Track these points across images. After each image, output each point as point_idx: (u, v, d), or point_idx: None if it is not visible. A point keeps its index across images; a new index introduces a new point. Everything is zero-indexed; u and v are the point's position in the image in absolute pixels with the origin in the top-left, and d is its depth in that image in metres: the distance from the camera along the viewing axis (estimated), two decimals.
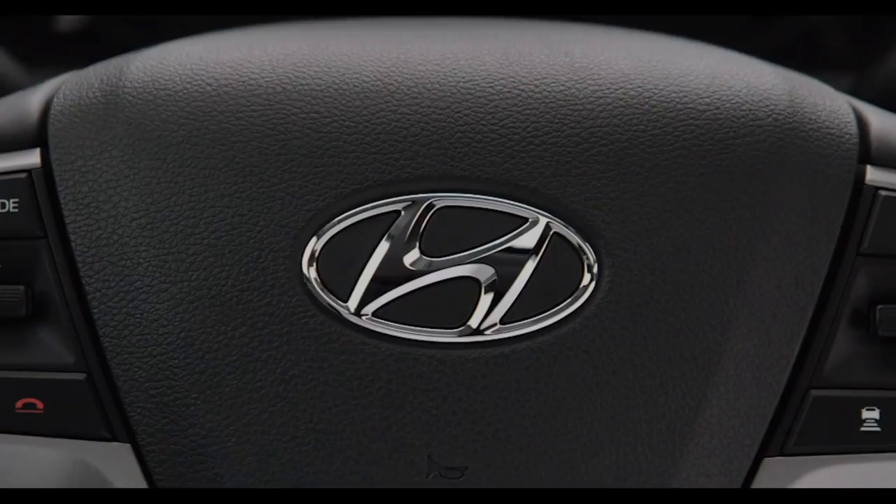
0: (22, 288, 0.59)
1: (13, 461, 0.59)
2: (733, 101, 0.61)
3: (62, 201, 0.59)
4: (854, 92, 0.80)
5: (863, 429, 0.58)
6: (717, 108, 0.60)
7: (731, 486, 0.58)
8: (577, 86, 0.60)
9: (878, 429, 0.58)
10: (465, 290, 0.58)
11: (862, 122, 0.62)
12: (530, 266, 0.58)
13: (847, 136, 0.61)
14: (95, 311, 0.58)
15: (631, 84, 0.61)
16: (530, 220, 0.58)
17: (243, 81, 0.60)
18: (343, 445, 0.57)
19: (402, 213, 0.58)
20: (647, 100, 0.60)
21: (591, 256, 0.58)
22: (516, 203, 0.58)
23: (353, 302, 0.57)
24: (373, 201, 0.58)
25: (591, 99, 0.60)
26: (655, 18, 1.19)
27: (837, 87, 0.78)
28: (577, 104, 0.60)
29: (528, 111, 0.59)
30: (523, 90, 0.60)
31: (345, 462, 0.57)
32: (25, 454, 0.59)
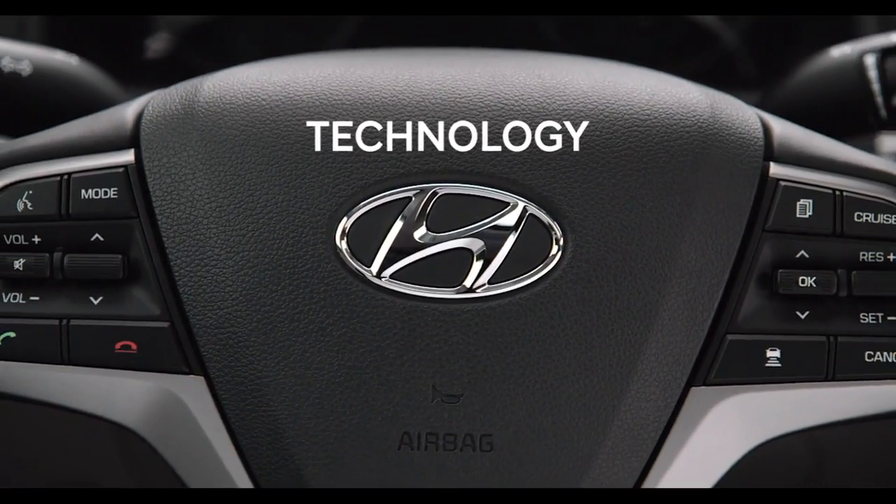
0: (120, 257, 0.58)
1: (114, 389, 0.59)
2: (667, 113, 0.60)
3: (150, 190, 0.59)
4: (760, 105, 0.80)
5: (767, 365, 0.58)
6: (655, 118, 0.60)
7: (664, 411, 0.57)
8: (547, 101, 0.60)
9: (778, 364, 0.58)
10: (461, 258, 0.57)
11: (766, 129, 0.61)
12: (511, 239, 0.57)
13: (755, 140, 0.60)
14: (176, 274, 0.58)
15: (589, 99, 0.60)
16: (511, 204, 0.57)
17: (290, 97, 0.60)
18: (367, 377, 0.56)
19: (413, 198, 0.57)
20: (601, 112, 0.60)
21: (558, 232, 0.57)
22: (500, 191, 0.58)
23: (375, 267, 0.57)
24: (390, 189, 0.58)
25: (557, 111, 0.59)
26: (609, 48, 1.18)
27: (747, 102, 0.78)
28: (547, 116, 0.59)
29: (510, 121, 0.59)
30: (505, 104, 0.60)
31: (368, 390, 0.56)
32: (123, 384, 0.58)
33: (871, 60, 0.76)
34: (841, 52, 0.78)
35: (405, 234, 0.57)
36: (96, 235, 0.59)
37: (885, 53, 0.76)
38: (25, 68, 0.75)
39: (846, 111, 0.77)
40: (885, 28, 1.03)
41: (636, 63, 1.14)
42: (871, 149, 1.00)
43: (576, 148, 0.58)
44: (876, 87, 0.76)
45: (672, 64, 1.17)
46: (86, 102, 0.77)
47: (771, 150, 0.60)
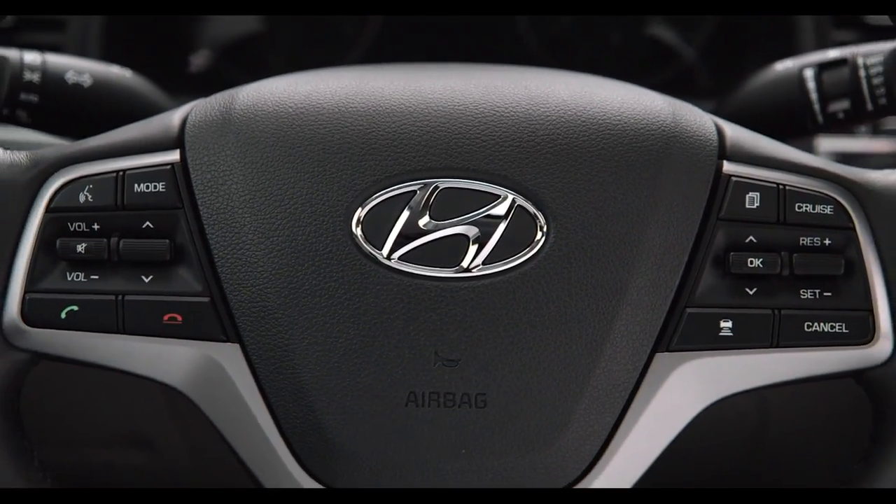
0: (167, 241, 0.58)
1: (162, 355, 0.58)
2: (635, 118, 0.59)
3: (193, 184, 0.58)
4: (715, 112, 0.79)
5: (721, 334, 0.57)
6: (625, 123, 0.59)
7: (633, 373, 0.57)
8: (532, 108, 0.59)
9: (731, 334, 0.57)
10: (459, 243, 0.57)
11: (720, 132, 0.61)
12: (502, 226, 0.57)
13: (710, 141, 0.60)
14: (216, 256, 0.58)
15: (568, 107, 0.60)
16: (502, 196, 0.57)
17: (312, 105, 0.59)
18: (378, 344, 0.56)
19: (418, 192, 0.57)
20: (578, 117, 0.59)
21: (542, 220, 0.57)
22: (493, 185, 0.57)
23: (386, 250, 0.57)
24: (398, 184, 0.57)
25: (541, 117, 0.59)
26: (585, 62, 1.17)
27: (703, 109, 0.77)
28: (532, 121, 0.59)
29: (501, 125, 0.58)
30: (497, 111, 0.59)
31: (379, 355, 0.56)
32: (170, 350, 0.58)
33: (809, 73, 0.76)
34: (784, 66, 0.77)
35: (411, 222, 0.57)
36: (147, 223, 0.58)
37: (822, 68, 0.75)
38: (87, 80, 0.75)
39: (788, 117, 0.76)
40: (821, 46, 1.03)
41: (609, 75, 1.14)
42: (809, 149, 1.00)
43: (557, 148, 0.58)
44: (814, 96, 0.75)
45: (639, 76, 1.17)
46: (138, 110, 0.76)
47: (724, 151, 0.60)
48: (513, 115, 0.59)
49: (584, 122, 0.59)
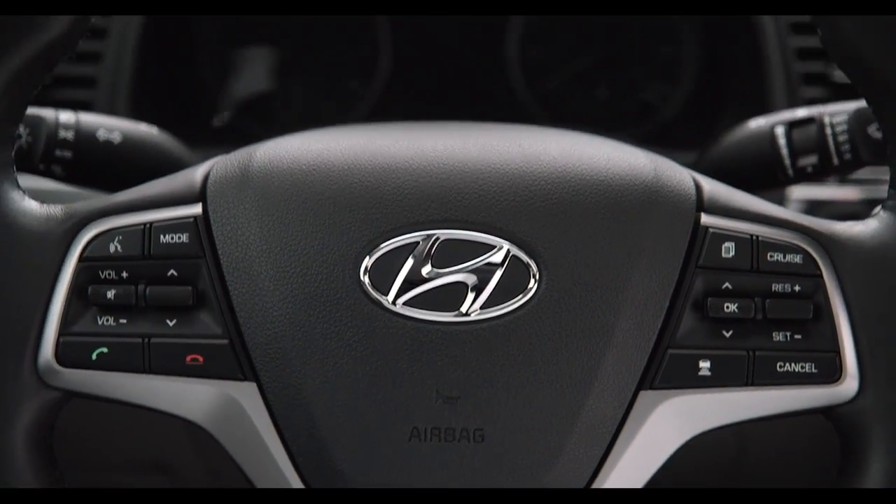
0: (190, 288, 0.58)
1: (185, 392, 0.58)
2: (620, 174, 0.60)
3: (214, 235, 0.59)
4: (694, 164, 0.80)
5: (700, 373, 0.58)
6: (611, 179, 0.59)
7: (619, 410, 0.57)
8: (525, 165, 0.60)
9: (709, 373, 0.58)
10: (459, 289, 0.57)
11: (698, 186, 0.61)
12: (498, 274, 0.57)
13: (689, 195, 0.60)
14: (235, 302, 0.58)
15: (558, 164, 0.60)
16: (498, 246, 0.57)
17: (324, 162, 0.60)
18: (384, 383, 0.56)
19: (420, 242, 0.57)
20: (568, 173, 0.59)
21: (535, 268, 0.57)
22: (489, 236, 0.57)
23: (391, 296, 0.57)
24: (403, 235, 0.57)
25: (534, 173, 0.59)
26: (576, 116, 1.18)
27: (683, 161, 0.77)
28: (526, 176, 0.59)
29: (496, 181, 0.59)
30: (493, 167, 0.59)
31: (385, 394, 0.56)
32: (192, 389, 0.58)
33: (780, 131, 0.76)
34: (757, 123, 0.78)
35: (414, 270, 0.57)
36: (171, 271, 0.58)
37: (791, 126, 0.76)
38: (116, 137, 0.75)
39: (762, 170, 0.77)
40: (792, 101, 1.03)
41: (596, 128, 1.14)
42: (781, 199, 1.01)
43: (548, 202, 0.58)
44: (784, 152, 0.76)
45: (624, 129, 1.18)
46: (164, 164, 0.77)
47: (702, 204, 0.60)
48: (507, 172, 0.59)
49: (573, 178, 0.59)
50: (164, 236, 0.59)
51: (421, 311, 0.57)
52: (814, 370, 0.58)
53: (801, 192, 1.01)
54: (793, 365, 0.58)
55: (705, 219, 0.59)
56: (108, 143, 0.74)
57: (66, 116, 0.74)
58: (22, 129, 0.72)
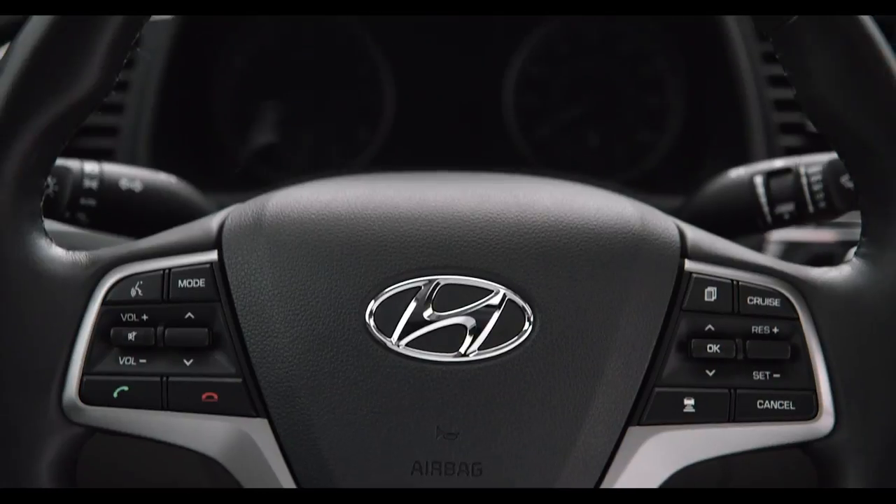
0: (206, 330, 0.58)
1: (200, 428, 0.59)
2: (608, 223, 0.60)
3: (229, 280, 0.59)
4: (680, 211, 0.80)
5: (685, 410, 0.58)
6: (600, 227, 0.60)
7: (609, 445, 0.57)
8: (520, 214, 0.60)
9: (693, 410, 0.58)
10: (458, 331, 0.57)
11: (682, 234, 0.61)
12: (495, 317, 0.57)
13: (674, 242, 0.60)
14: (248, 343, 0.58)
15: (551, 213, 0.60)
16: (494, 291, 0.58)
17: (331, 212, 0.60)
18: (387, 420, 0.56)
19: (422, 287, 0.58)
20: (560, 222, 0.60)
21: (529, 312, 0.57)
22: (487, 281, 0.58)
23: (394, 338, 0.57)
24: (406, 280, 0.58)
25: (528, 222, 0.60)
26: (569, 161, 1.19)
27: (668, 205, 0.78)
28: (520, 225, 0.60)
29: (493, 229, 0.59)
30: (490, 217, 0.60)
31: (389, 430, 0.56)
32: (207, 425, 0.59)
33: (759, 180, 0.77)
34: (737, 173, 0.78)
35: (417, 313, 0.57)
36: (189, 314, 0.59)
37: (769, 175, 0.76)
38: (138, 186, 0.76)
39: (742, 217, 0.77)
40: (770, 148, 1.04)
41: (587, 173, 1.15)
42: (761, 240, 1.01)
43: (542, 249, 0.59)
44: (763, 200, 0.76)
45: (613, 174, 1.19)
46: (182, 211, 0.77)
47: (686, 250, 0.60)
48: (504, 221, 0.60)
49: (565, 226, 0.60)
50: (182, 281, 0.59)
51: (423, 351, 0.57)
52: (792, 407, 0.58)
53: (780, 233, 1.02)
54: (772, 402, 0.58)
55: (689, 265, 0.60)
56: (129, 192, 0.75)
57: (90, 167, 0.74)
58: (49, 180, 0.72)
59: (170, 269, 0.59)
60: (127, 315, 0.59)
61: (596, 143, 1.20)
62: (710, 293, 0.59)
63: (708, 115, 1.13)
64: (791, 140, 1.04)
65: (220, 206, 0.78)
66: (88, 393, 0.58)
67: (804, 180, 0.74)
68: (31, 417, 0.58)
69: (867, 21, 0.58)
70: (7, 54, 0.58)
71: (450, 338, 0.57)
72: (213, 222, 0.62)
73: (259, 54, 1.20)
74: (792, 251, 1.04)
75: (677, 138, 1.19)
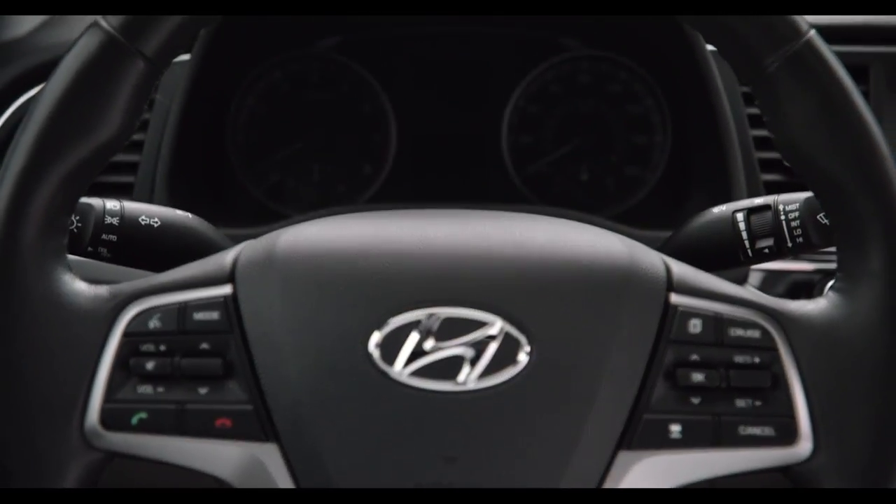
0: (220, 360, 0.59)
1: (215, 452, 0.59)
2: (599, 259, 0.61)
3: (242, 313, 0.59)
4: (666, 245, 0.80)
5: (671, 436, 0.58)
6: (591, 262, 0.60)
7: (600, 469, 0.57)
8: (517, 251, 0.61)
9: (679, 436, 0.58)
10: (457, 361, 0.58)
11: (668, 268, 0.61)
12: (493, 348, 0.58)
13: (660, 277, 0.61)
14: (259, 372, 0.58)
15: (545, 249, 0.61)
16: (492, 323, 0.58)
17: (338, 248, 0.61)
18: (390, 444, 0.57)
19: (423, 320, 0.58)
20: (553, 258, 0.60)
21: (525, 343, 0.58)
22: (485, 314, 0.58)
23: (398, 368, 0.57)
24: (408, 313, 0.58)
25: (524, 258, 0.60)
26: (561, 195, 1.19)
27: (656, 238, 0.78)
28: (517, 261, 0.60)
29: (491, 265, 0.60)
30: (488, 253, 0.60)
31: (392, 455, 0.57)
32: (221, 449, 0.59)
33: (740, 216, 0.77)
34: (719, 209, 0.78)
35: (418, 344, 0.58)
36: (204, 345, 0.59)
37: (750, 212, 0.76)
38: (156, 222, 0.76)
39: (724, 251, 0.77)
40: (751, 183, 1.04)
41: (579, 206, 1.15)
42: (744, 271, 1.01)
43: (537, 284, 0.59)
44: (744, 235, 0.76)
45: (604, 207, 1.19)
46: (198, 245, 0.77)
47: (672, 284, 0.61)
48: (501, 257, 0.60)
49: (558, 262, 0.60)
50: (198, 314, 0.59)
51: (424, 380, 0.57)
52: (772, 433, 0.58)
53: (759, 268, 1.02)
54: (753, 428, 0.58)
55: (675, 298, 0.60)
56: (148, 228, 0.75)
57: (111, 204, 0.75)
58: (73, 217, 0.73)
59: (186, 302, 0.60)
60: (145, 346, 0.59)
61: (587, 177, 1.20)
62: (695, 325, 0.59)
63: (692, 152, 1.14)
64: (771, 176, 1.05)
65: (234, 240, 0.78)
66: (109, 419, 0.59)
67: (783, 217, 0.74)
68: (54, 443, 0.58)
69: (841, 71, 0.59)
70: (36, 102, 0.59)
71: (450, 367, 0.57)
72: (226, 258, 0.62)
73: (270, 95, 1.21)
74: (773, 279, 1.05)
75: (663, 174, 1.19)
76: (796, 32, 0.58)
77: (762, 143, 1.05)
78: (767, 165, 1.05)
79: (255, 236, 0.65)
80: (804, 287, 1.04)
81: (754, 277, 1.04)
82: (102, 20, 0.59)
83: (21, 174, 0.58)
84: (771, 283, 1.05)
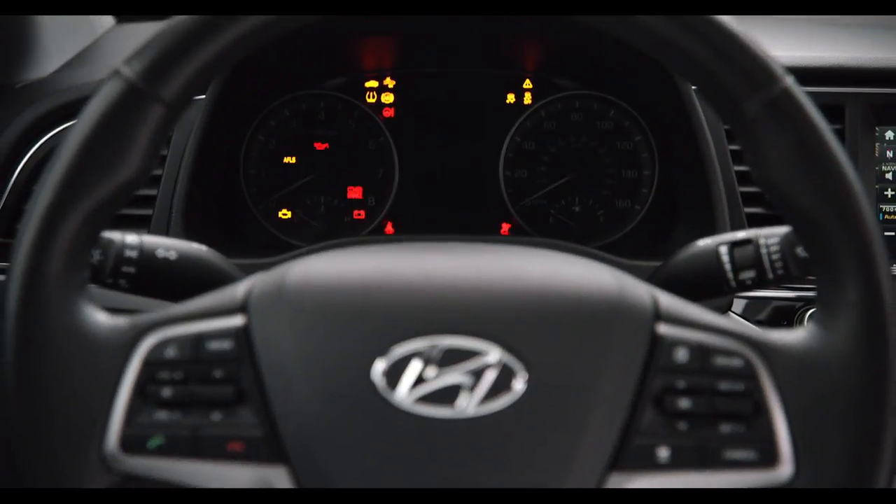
0: (232, 387, 0.59)
1: (227, 474, 0.59)
2: (590, 291, 0.61)
3: (254, 342, 0.60)
4: (653, 276, 0.81)
5: (659, 460, 0.58)
6: (583, 294, 0.61)
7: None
8: (513, 283, 0.61)
9: (668, 460, 0.58)
10: (457, 389, 0.58)
11: (655, 300, 0.62)
12: (491, 375, 0.58)
13: (648, 308, 0.61)
14: (270, 398, 0.58)
15: (540, 282, 0.61)
16: (490, 352, 0.58)
17: (345, 281, 0.61)
18: (394, 468, 0.57)
19: (425, 349, 0.58)
20: (547, 290, 0.61)
21: (521, 371, 0.58)
22: (483, 344, 0.58)
23: (400, 395, 0.57)
24: (411, 342, 0.58)
25: (520, 290, 0.60)
26: (555, 227, 1.19)
27: (643, 268, 0.78)
28: (513, 293, 0.60)
29: (489, 297, 0.60)
30: (486, 286, 0.61)
31: (395, 478, 0.56)
32: (233, 471, 0.59)
33: (724, 249, 0.77)
34: (704, 243, 0.79)
35: (420, 372, 0.58)
36: (217, 373, 0.59)
37: (733, 245, 0.77)
38: (173, 255, 0.76)
39: (709, 283, 0.77)
40: (734, 216, 1.05)
41: (571, 237, 1.16)
42: (727, 302, 1.02)
43: (532, 315, 0.59)
44: (727, 267, 0.77)
45: (595, 238, 1.19)
46: (212, 276, 0.77)
47: (659, 315, 0.61)
48: (498, 289, 0.61)
49: (552, 294, 0.60)
50: (212, 343, 0.60)
51: (425, 407, 0.57)
52: (755, 457, 0.58)
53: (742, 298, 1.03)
54: (737, 452, 0.58)
55: (662, 328, 0.60)
56: (165, 260, 0.75)
57: (131, 238, 0.75)
58: (95, 251, 0.73)
59: (201, 332, 0.60)
60: (162, 374, 0.59)
61: (579, 209, 1.21)
62: (681, 354, 0.59)
63: (678, 186, 1.14)
64: (753, 209, 1.05)
65: (245, 269, 0.79)
66: (127, 444, 0.59)
67: (764, 250, 0.74)
68: (74, 467, 0.58)
69: (816, 115, 0.59)
70: (62, 144, 0.59)
71: (450, 395, 0.57)
72: (239, 290, 0.62)
73: (280, 132, 1.21)
74: (757, 306, 1.05)
75: (651, 206, 1.20)
76: (773, 79, 0.59)
77: (744, 178, 1.06)
78: (749, 199, 1.06)
79: (265, 266, 0.65)
80: (786, 313, 1.05)
81: (738, 304, 1.05)
82: (124, 67, 0.59)
83: (47, 212, 0.58)
84: (754, 309, 1.05)
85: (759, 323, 1.04)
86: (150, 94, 0.59)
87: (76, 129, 0.59)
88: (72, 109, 1.09)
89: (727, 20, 0.59)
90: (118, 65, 0.59)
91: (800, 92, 0.59)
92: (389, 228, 1.21)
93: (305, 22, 0.59)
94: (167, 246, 0.76)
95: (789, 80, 0.59)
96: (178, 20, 0.59)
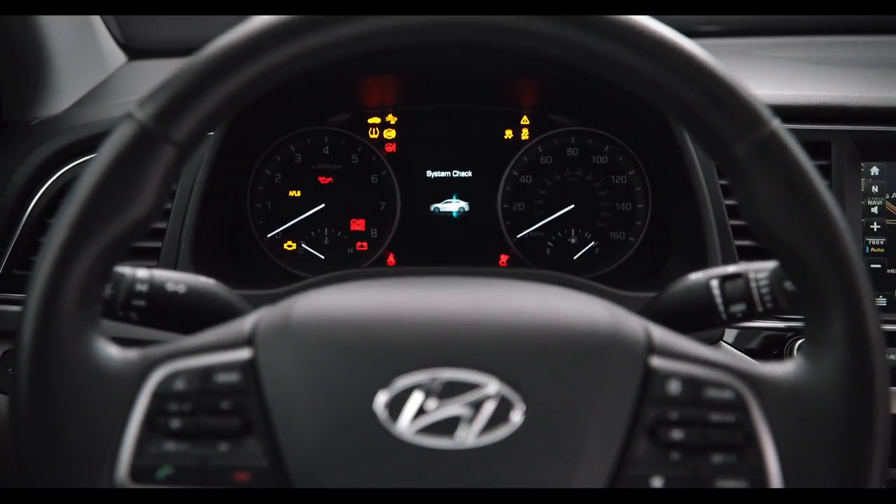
0: (239, 419, 0.59)
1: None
2: (585, 325, 0.61)
3: (260, 375, 0.60)
4: (646, 308, 0.81)
5: (654, 487, 0.58)
6: (578, 328, 0.61)
7: None
8: (511, 317, 0.61)
9: (661, 487, 0.58)
10: (457, 420, 0.58)
11: (648, 333, 0.62)
12: (489, 407, 0.58)
13: (641, 341, 0.61)
14: (275, 428, 0.59)
15: (537, 316, 0.62)
16: (489, 384, 0.59)
17: (348, 316, 0.62)
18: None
19: (426, 381, 0.59)
20: (544, 324, 0.61)
21: (519, 403, 0.58)
22: (482, 377, 0.59)
23: (401, 427, 0.58)
24: (412, 375, 0.59)
25: (517, 324, 0.61)
26: (552, 260, 1.20)
27: (636, 300, 0.78)
28: (511, 327, 0.61)
29: (488, 331, 0.60)
30: (485, 320, 0.61)
31: None
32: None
33: (714, 283, 0.77)
34: (696, 276, 0.79)
35: (421, 404, 0.58)
36: (224, 404, 0.60)
37: (724, 279, 0.77)
38: (182, 289, 0.76)
39: (700, 315, 0.78)
40: (725, 248, 1.05)
41: (567, 268, 1.16)
42: (719, 333, 1.02)
43: (529, 348, 0.60)
44: (718, 300, 0.77)
45: (590, 270, 1.20)
46: (220, 309, 0.77)
47: (652, 348, 0.61)
48: (497, 324, 0.61)
49: (548, 328, 0.61)
50: (219, 376, 0.60)
51: (426, 437, 0.58)
52: (746, 486, 0.58)
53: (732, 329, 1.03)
54: (728, 481, 0.58)
55: (655, 361, 0.61)
56: (175, 294, 0.76)
57: (141, 273, 0.76)
58: (106, 285, 0.74)
59: (209, 365, 0.61)
60: (171, 405, 0.60)
61: (575, 241, 1.21)
62: (674, 386, 0.60)
63: (671, 218, 1.15)
64: (743, 241, 1.06)
65: (252, 300, 0.79)
66: (137, 473, 0.59)
67: (753, 284, 0.75)
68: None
69: (802, 156, 0.60)
70: (76, 184, 0.60)
71: (450, 426, 0.58)
72: (246, 324, 0.63)
73: (286, 167, 1.22)
74: (747, 336, 1.05)
75: (644, 238, 1.20)
76: (761, 122, 0.60)
77: (734, 211, 1.06)
78: (740, 232, 1.06)
79: (271, 297, 0.65)
80: (776, 342, 1.05)
81: (730, 334, 1.05)
82: (137, 111, 0.60)
83: (62, 249, 0.59)
84: (745, 338, 1.05)
85: (749, 352, 1.04)
86: (162, 136, 0.60)
87: (90, 170, 0.60)
88: (85, 146, 1.10)
89: (717, 64, 0.60)
90: (131, 107, 0.60)
91: (787, 134, 0.60)
92: (391, 260, 1.22)
93: (318, 65, 0.60)
94: (176, 280, 0.76)
95: (776, 123, 0.60)
96: (189, 63, 0.60)
